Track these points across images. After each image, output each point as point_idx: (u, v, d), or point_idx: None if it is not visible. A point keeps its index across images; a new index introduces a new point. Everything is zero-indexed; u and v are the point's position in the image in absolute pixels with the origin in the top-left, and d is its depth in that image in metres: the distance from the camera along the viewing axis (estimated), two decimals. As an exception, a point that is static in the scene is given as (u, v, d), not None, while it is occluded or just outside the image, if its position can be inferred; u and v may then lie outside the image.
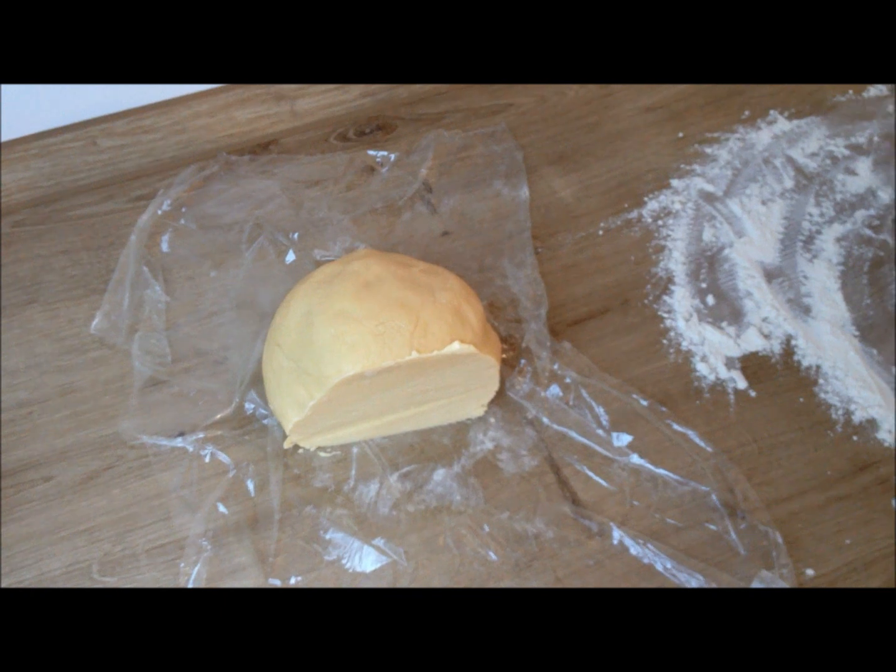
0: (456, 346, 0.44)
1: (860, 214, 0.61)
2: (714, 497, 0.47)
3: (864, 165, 0.64)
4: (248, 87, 0.65)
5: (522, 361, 0.51)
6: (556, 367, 0.51)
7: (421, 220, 0.59)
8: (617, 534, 0.46)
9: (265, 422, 0.48)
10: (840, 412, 0.51)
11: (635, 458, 0.49)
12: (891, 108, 0.67)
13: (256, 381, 0.49)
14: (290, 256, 0.54)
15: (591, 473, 0.48)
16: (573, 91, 0.67)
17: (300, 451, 0.48)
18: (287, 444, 0.46)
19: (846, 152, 0.65)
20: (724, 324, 0.55)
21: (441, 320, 0.44)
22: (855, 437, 0.50)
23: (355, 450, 0.48)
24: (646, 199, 0.61)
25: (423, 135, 0.63)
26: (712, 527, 0.47)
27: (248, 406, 0.48)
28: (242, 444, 0.47)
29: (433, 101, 0.66)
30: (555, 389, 0.50)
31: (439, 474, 0.47)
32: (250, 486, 0.46)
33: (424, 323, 0.44)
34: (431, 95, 0.66)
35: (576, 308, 0.55)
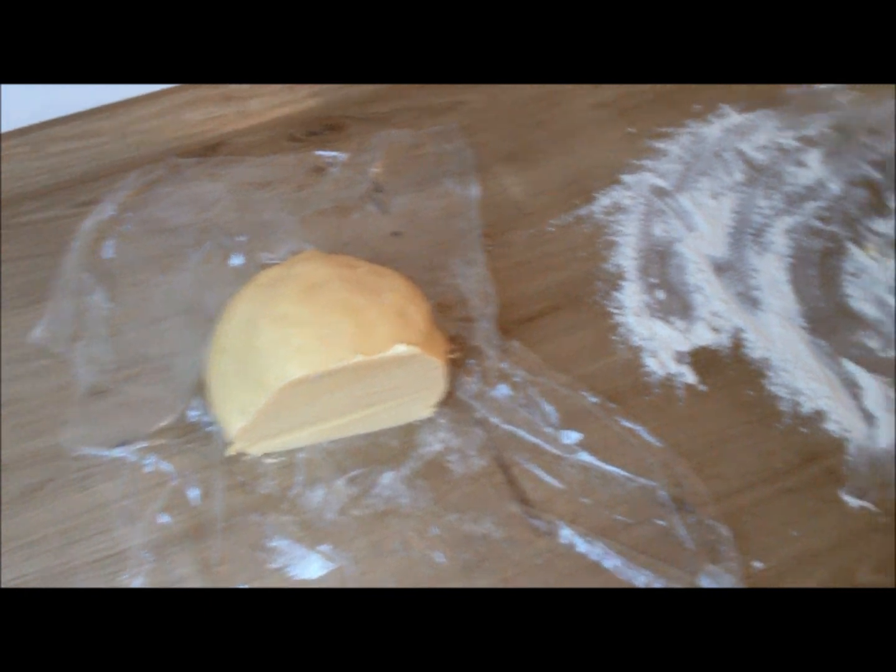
0: (400, 348, 0.43)
1: (810, 206, 0.61)
2: (663, 492, 0.47)
3: (814, 157, 0.64)
4: (196, 89, 0.64)
5: (471, 361, 0.50)
6: (505, 365, 0.50)
7: (371, 220, 0.58)
8: (566, 532, 0.45)
9: (210, 429, 0.47)
10: (789, 404, 0.51)
11: (585, 456, 0.48)
12: (842, 99, 0.67)
13: (202, 387, 0.48)
14: (237, 260, 0.53)
15: (540, 472, 0.47)
16: (524, 88, 0.66)
17: (245, 457, 0.47)
18: (231, 451, 0.46)
19: (796, 144, 0.64)
20: (673, 318, 0.55)
21: (386, 322, 0.43)
22: (803, 429, 0.50)
23: (302, 455, 0.47)
24: (597, 195, 0.61)
25: (373, 134, 0.62)
26: (661, 522, 0.46)
27: (193, 413, 0.47)
28: (186, 452, 0.46)
29: (384, 100, 0.65)
30: (504, 389, 0.50)
31: (387, 477, 0.46)
32: (194, 494, 0.45)
33: (369, 325, 0.43)
34: (382, 94, 0.65)
35: (526, 306, 0.54)
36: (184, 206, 0.56)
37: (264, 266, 0.53)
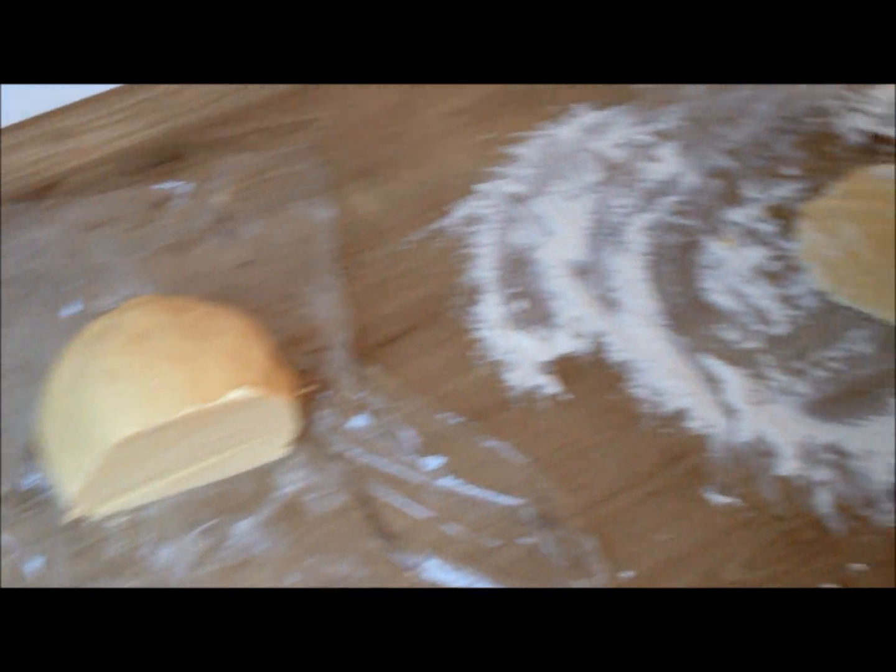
0: (237, 393, 0.42)
1: (666, 201, 0.62)
2: (530, 509, 0.47)
3: (669, 151, 0.65)
4: (24, 129, 0.61)
5: (327, 393, 0.50)
6: (363, 394, 0.50)
7: (218, 252, 0.57)
8: (431, 563, 0.45)
9: (49, 494, 0.45)
10: (652, 405, 0.52)
11: (449, 480, 0.48)
12: (693, 90, 0.68)
13: (37, 450, 0.46)
14: (72, 309, 0.51)
15: (403, 502, 0.47)
16: (375, 101, 0.66)
17: (89, 520, 0.45)
18: (71, 517, 0.44)
19: (652, 139, 0.65)
20: (535, 328, 0.55)
21: (220, 367, 0.42)
22: (666, 429, 0.51)
23: (149, 511, 0.46)
24: (453, 206, 0.60)
25: (218, 161, 0.61)
26: (530, 540, 0.46)
27: (30, 479, 0.46)
28: (24, 521, 0.44)
29: (228, 124, 0.64)
30: (362, 419, 0.49)
31: (242, 525, 0.45)
32: (35, 566, 0.43)
33: (201, 372, 0.42)
34: (226, 118, 0.64)
35: (384, 328, 0.54)
36: (13, 255, 0.53)
37: (100, 314, 0.51)
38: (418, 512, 0.47)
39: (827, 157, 0.64)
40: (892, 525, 0.47)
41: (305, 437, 0.48)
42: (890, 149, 0.64)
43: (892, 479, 0.49)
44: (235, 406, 0.43)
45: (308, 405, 0.49)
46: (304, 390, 0.49)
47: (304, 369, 0.50)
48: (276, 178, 0.61)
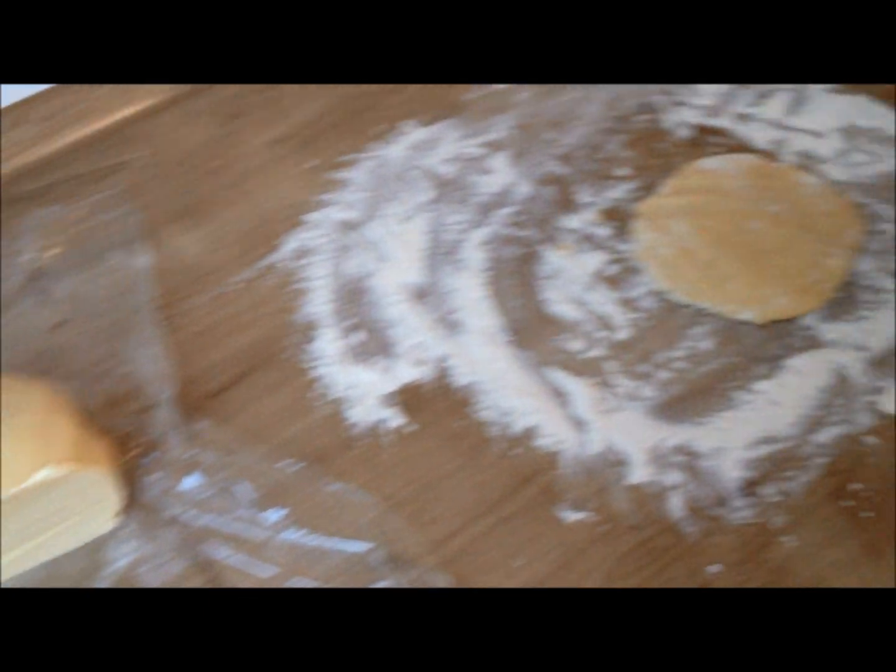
0: (44, 473, 0.41)
1: (502, 213, 0.63)
2: (380, 552, 0.47)
3: (500, 162, 0.66)
4: None
5: (154, 455, 0.49)
6: (194, 451, 0.49)
7: (31, 314, 0.55)
8: (279, 622, 0.44)
9: None
10: (500, 427, 0.52)
11: (292, 532, 0.47)
12: (519, 97, 0.69)
13: None
14: None
15: (246, 562, 0.46)
16: (191, 136, 0.65)
17: None
18: None
19: (482, 151, 0.66)
20: (376, 360, 0.55)
21: (22, 446, 0.41)
22: (516, 450, 0.51)
23: (-32, 606, 0.43)
24: (282, 240, 0.60)
25: (26, 216, 0.59)
26: (382, 585, 0.46)
27: None
28: None
29: (33, 176, 0.62)
30: (194, 478, 0.48)
31: (72, 609, 0.44)
32: None
33: (2, 454, 0.40)
34: (29, 169, 0.62)
35: (214, 378, 0.53)
36: None
37: None
38: (262, 570, 0.46)
39: (657, 154, 0.66)
40: (743, 522, 0.49)
41: (135, 505, 0.47)
42: (717, 140, 0.67)
43: (741, 475, 0.51)
44: (45, 486, 0.41)
45: (134, 471, 0.48)
46: (126, 456, 0.48)
47: (127, 432, 0.49)
48: (88, 229, 0.59)
